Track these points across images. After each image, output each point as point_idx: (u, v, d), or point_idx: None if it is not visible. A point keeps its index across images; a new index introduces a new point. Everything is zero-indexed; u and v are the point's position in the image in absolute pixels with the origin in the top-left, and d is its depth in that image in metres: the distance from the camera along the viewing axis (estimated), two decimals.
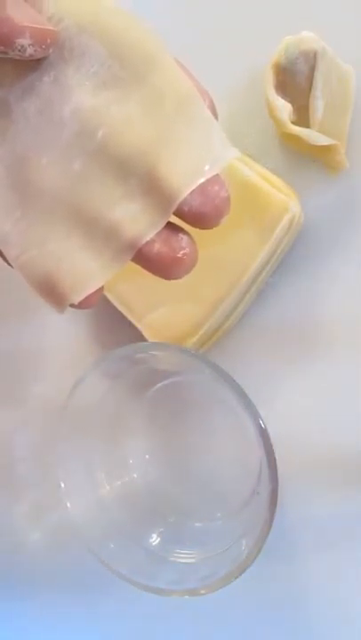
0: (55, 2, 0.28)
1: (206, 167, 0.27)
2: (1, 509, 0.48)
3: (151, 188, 0.27)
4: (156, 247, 0.28)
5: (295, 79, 0.38)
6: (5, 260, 0.30)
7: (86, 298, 0.29)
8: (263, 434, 0.36)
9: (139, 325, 0.41)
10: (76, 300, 0.28)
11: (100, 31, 0.28)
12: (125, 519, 0.42)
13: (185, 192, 0.27)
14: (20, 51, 0.26)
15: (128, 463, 0.45)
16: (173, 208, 0.27)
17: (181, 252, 0.28)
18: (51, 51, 0.28)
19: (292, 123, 0.38)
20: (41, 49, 0.27)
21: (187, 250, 0.28)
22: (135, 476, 0.45)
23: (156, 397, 0.43)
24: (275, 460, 0.36)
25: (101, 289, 0.29)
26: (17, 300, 0.48)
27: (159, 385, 0.43)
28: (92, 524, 0.42)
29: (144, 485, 0.44)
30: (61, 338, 0.46)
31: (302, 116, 0.39)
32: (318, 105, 0.38)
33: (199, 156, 0.27)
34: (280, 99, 0.38)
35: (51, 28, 0.27)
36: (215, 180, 0.28)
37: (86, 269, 0.28)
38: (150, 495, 0.44)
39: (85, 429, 0.42)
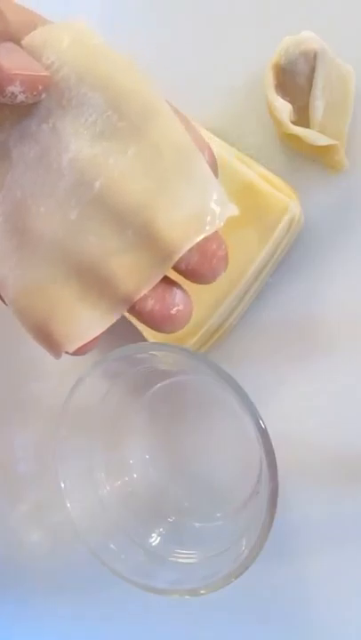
0: (56, 50, 0.28)
1: (206, 226, 0.27)
2: (1, 509, 0.48)
3: (148, 242, 0.27)
4: (150, 304, 0.28)
5: (295, 79, 0.38)
6: (2, 300, 0.31)
7: (82, 346, 0.29)
8: (263, 434, 0.36)
9: (139, 326, 0.41)
10: (71, 349, 0.29)
11: (99, 81, 0.28)
12: (125, 519, 0.42)
13: (183, 250, 0.27)
14: (10, 97, 0.26)
15: (128, 463, 0.45)
16: (170, 265, 0.27)
17: (175, 309, 0.28)
18: (43, 96, 0.28)
19: (293, 123, 0.38)
20: (32, 95, 0.27)
21: (180, 306, 0.28)
22: (135, 476, 0.45)
23: (156, 397, 0.43)
24: (275, 459, 0.36)
25: (98, 337, 0.29)
26: None
27: (159, 385, 0.43)
28: (92, 523, 0.42)
29: (144, 485, 0.44)
30: None
31: (302, 116, 0.39)
32: (318, 105, 0.38)
33: (198, 213, 0.27)
34: (280, 99, 0.38)
35: (44, 73, 0.27)
36: (213, 237, 0.28)
37: (82, 319, 0.28)
38: (150, 495, 0.44)
39: (85, 429, 0.42)
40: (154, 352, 0.40)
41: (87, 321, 0.28)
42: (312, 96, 0.38)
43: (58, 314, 0.28)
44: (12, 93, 0.26)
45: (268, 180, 0.39)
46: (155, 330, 0.29)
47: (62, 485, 0.42)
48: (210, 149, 0.29)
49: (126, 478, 0.44)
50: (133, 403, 0.44)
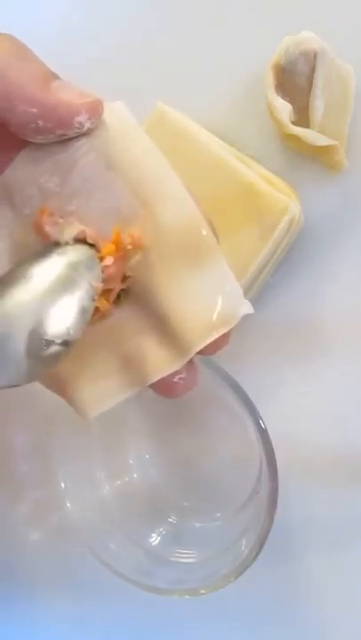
0: (85, 149, 0.28)
1: (222, 326, 0.27)
2: (1, 509, 0.48)
3: (168, 334, 0.28)
4: None
5: (295, 79, 0.38)
6: None
7: None
8: (263, 434, 0.36)
9: None
10: (92, 416, 0.30)
11: (125, 169, 0.28)
12: (125, 519, 0.42)
13: (199, 348, 0.28)
14: (78, 128, 0.27)
15: (128, 463, 0.45)
16: (187, 360, 0.28)
17: (178, 377, 0.29)
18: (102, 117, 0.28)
19: (292, 123, 0.38)
20: (96, 120, 0.27)
21: (183, 374, 0.29)
22: (135, 475, 0.45)
23: (156, 397, 0.43)
24: (275, 459, 0.36)
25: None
26: None
27: None
28: (92, 523, 0.42)
29: (144, 485, 0.44)
30: None
31: (302, 117, 0.39)
32: (318, 105, 0.38)
33: (213, 312, 0.28)
34: (280, 99, 0.38)
35: (97, 97, 0.27)
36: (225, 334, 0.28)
37: (104, 389, 0.29)
38: (150, 495, 0.44)
39: (85, 429, 0.42)
40: None
41: (109, 391, 0.29)
42: (312, 96, 0.38)
43: (80, 383, 0.29)
44: (80, 123, 0.27)
45: (268, 180, 0.39)
46: (157, 393, 0.30)
47: (62, 485, 0.42)
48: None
49: (126, 478, 0.44)
50: (133, 403, 0.43)
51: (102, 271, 0.28)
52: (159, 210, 0.28)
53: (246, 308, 0.28)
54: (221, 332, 0.28)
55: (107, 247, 0.28)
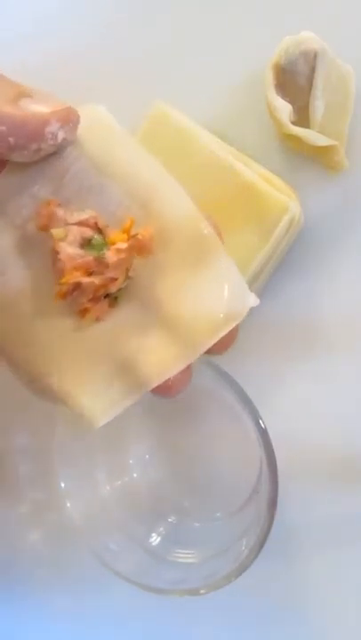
0: (75, 155, 0.28)
1: (229, 321, 0.27)
2: (1, 509, 0.48)
3: (173, 334, 0.28)
4: None
5: (295, 79, 0.38)
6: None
7: None
8: (263, 434, 0.36)
9: None
10: (99, 425, 0.29)
11: (118, 172, 0.28)
12: (125, 519, 0.42)
13: (207, 346, 0.27)
14: (51, 139, 0.26)
15: (128, 463, 0.45)
16: (194, 359, 0.28)
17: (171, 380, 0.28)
18: (79, 127, 0.28)
19: (292, 123, 0.38)
20: (70, 128, 0.27)
21: (178, 375, 0.28)
22: (135, 475, 0.45)
23: (156, 397, 0.43)
24: (275, 459, 0.36)
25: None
26: None
27: None
28: (92, 524, 0.42)
29: (144, 485, 0.44)
30: None
31: (302, 117, 0.39)
32: (318, 105, 0.38)
33: (220, 309, 0.27)
34: (280, 99, 0.38)
35: (67, 105, 0.27)
36: (233, 329, 0.28)
37: (107, 397, 0.29)
38: (150, 495, 0.44)
39: (85, 429, 0.42)
40: None
41: (111, 398, 0.29)
42: (312, 96, 0.38)
43: (81, 397, 0.29)
44: (52, 134, 0.26)
45: (268, 180, 0.39)
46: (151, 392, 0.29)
47: (62, 485, 0.42)
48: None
49: (126, 478, 0.44)
50: (133, 403, 0.44)
51: (113, 255, 0.27)
52: (158, 210, 0.28)
53: (252, 300, 0.28)
54: (230, 327, 0.27)
55: (117, 234, 0.28)
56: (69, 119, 0.27)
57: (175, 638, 0.44)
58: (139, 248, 0.28)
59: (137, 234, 0.27)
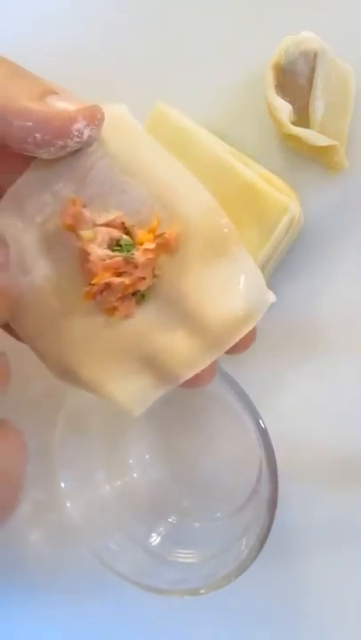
0: (99, 154, 0.28)
1: (252, 318, 0.28)
2: (1, 509, 0.48)
3: (194, 330, 0.28)
4: None
5: (295, 79, 0.38)
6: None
7: None
8: (263, 434, 0.36)
9: None
10: (137, 414, 0.30)
11: (141, 171, 0.28)
12: (125, 519, 0.42)
13: (231, 344, 0.28)
14: (77, 137, 0.27)
15: (128, 463, 0.45)
16: (217, 356, 0.28)
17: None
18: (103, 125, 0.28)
19: (292, 123, 0.38)
20: (96, 126, 0.27)
21: (206, 368, 0.29)
22: (135, 475, 0.45)
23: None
24: (275, 460, 0.36)
25: None
26: None
27: None
28: (92, 523, 0.42)
29: (144, 485, 0.44)
30: None
31: (302, 117, 0.39)
32: (318, 105, 0.38)
33: (243, 306, 0.28)
34: (280, 99, 0.38)
35: (91, 103, 0.27)
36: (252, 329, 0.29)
37: (138, 389, 0.29)
38: (150, 495, 0.44)
39: (85, 429, 0.42)
40: None
41: (142, 390, 0.29)
42: (312, 96, 0.38)
43: (116, 382, 0.29)
44: (79, 131, 0.26)
45: (268, 180, 0.39)
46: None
47: (62, 485, 0.42)
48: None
49: (126, 478, 0.44)
50: None
51: (141, 255, 0.28)
52: (180, 208, 0.28)
53: (271, 297, 0.28)
54: (251, 325, 0.28)
55: (144, 235, 0.28)
56: (95, 117, 0.27)
57: (175, 638, 0.44)
58: (165, 247, 0.28)
59: (163, 233, 0.28)
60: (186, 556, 0.41)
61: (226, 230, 0.28)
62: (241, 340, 0.28)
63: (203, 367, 0.28)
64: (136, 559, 0.41)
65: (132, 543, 0.42)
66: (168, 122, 0.39)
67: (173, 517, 0.43)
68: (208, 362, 0.28)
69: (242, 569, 0.36)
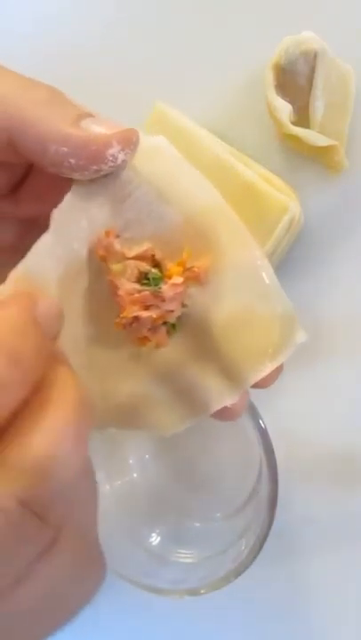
0: (134, 166, 0.28)
1: (276, 358, 0.28)
2: None
3: (221, 363, 0.28)
4: None
5: (295, 79, 0.38)
6: None
7: None
8: (263, 434, 0.36)
9: None
10: (166, 435, 0.30)
11: (178, 199, 0.28)
12: (125, 519, 0.42)
13: (253, 381, 0.28)
14: (112, 161, 0.26)
15: (128, 463, 0.45)
16: (241, 391, 0.28)
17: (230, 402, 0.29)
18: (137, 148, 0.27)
19: (292, 123, 0.38)
20: (131, 150, 0.27)
21: (235, 399, 0.29)
22: (135, 475, 0.45)
23: None
24: (275, 460, 0.36)
25: None
26: None
27: None
28: None
29: (144, 485, 0.44)
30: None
31: (302, 117, 0.39)
32: (318, 105, 0.38)
33: (268, 342, 0.28)
34: (280, 99, 0.38)
35: (126, 127, 0.27)
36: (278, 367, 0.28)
37: (168, 421, 0.30)
38: (150, 495, 0.44)
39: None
40: None
41: (172, 421, 0.30)
42: (312, 96, 0.38)
43: (147, 415, 0.30)
44: (113, 156, 0.26)
45: (268, 179, 0.39)
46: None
47: None
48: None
49: (126, 478, 0.44)
50: None
51: (169, 289, 0.28)
52: (215, 239, 0.28)
53: (300, 335, 0.28)
54: (276, 364, 0.28)
55: (173, 267, 0.28)
56: (130, 141, 0.27)
57: (175, 638, 0.44)
58: (194, 279, 0.28)
59: (193, 266, 0.28)
60: (186, 555, 0.41)
61: (259, 262, 0.28)
62: (268, 375, 0.28)
63: (231, 402, 0.28)
64: (136, 559, 0.41)
65: (132, 543, 0.42)
66: (168, 122, 0.39)
67: (173, 517, 0.43)
68: (234, 397, 0.28)
69: (242, 569, 0.36)
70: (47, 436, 0.21)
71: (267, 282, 0.28)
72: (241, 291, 0.28)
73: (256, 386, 0.28)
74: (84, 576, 0.27)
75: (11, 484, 0.20)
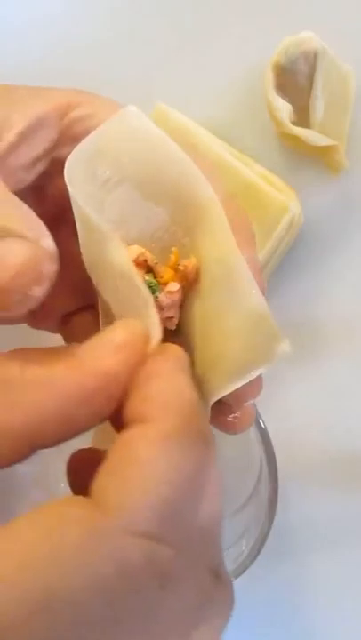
0: (112, 162, 0.25)
1: (250, 373, 0.24)
2: (1, 509, 0.48)
3: (201, 369, 0.26)
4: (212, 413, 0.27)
5: (295, 79, 0.38)
6: None
7: None
8: (263, 434, 0.36)
9: None
10: None
11: (164, 196, 0.26)
12: None
13: (219, 396, 0.25)
14: (22, 303, 0.23)
15: None
16: (208, 405, 0.26)
17: (232, 416, 0.28)
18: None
19: (292, 123, 0.38)
20: (44, 285, 0.22)
21: (237, 414, 0.28)
22: None
23: None
24: (275, 459, 0.36)
25: None
26: None
27: None
28: None
29: None
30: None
31: (302, 117, 0.39)
32: (318, 105, 0.38)
33: (244, 355, 0.25)
34: (280, 99, 0.38)
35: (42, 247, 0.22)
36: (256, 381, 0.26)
37: None
38: None
39: None
40: None
41: None
42: (312, 96, 0.38)
43: None
44: (20, 299, 0.22)
45: (268, 179, 0.39)
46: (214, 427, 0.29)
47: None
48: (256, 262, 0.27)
49: None
50: None
51: (166, 298, 0.26)
52: (200, 239, 0.26)
53: (283, 346, 0.25)
54: (250, 378, 0.24)
55: (168, 272, 0.26)
56: (40, 275, 0.22)
57: None
58: (184, 279, 0.26)
59: (183, 266, 0.26)
60: None
61: (240, 270, 0.25)
62: (243, 389, 0.25)
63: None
64: None
65: None
66: (168, 122, 0.39)
67: None
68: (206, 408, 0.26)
69: (242, 569, 0.36)
70: None
71: (246, 291, 0.25)
72: (220, 297, 0.26)
73: (239, 400, 0.27)
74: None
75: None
